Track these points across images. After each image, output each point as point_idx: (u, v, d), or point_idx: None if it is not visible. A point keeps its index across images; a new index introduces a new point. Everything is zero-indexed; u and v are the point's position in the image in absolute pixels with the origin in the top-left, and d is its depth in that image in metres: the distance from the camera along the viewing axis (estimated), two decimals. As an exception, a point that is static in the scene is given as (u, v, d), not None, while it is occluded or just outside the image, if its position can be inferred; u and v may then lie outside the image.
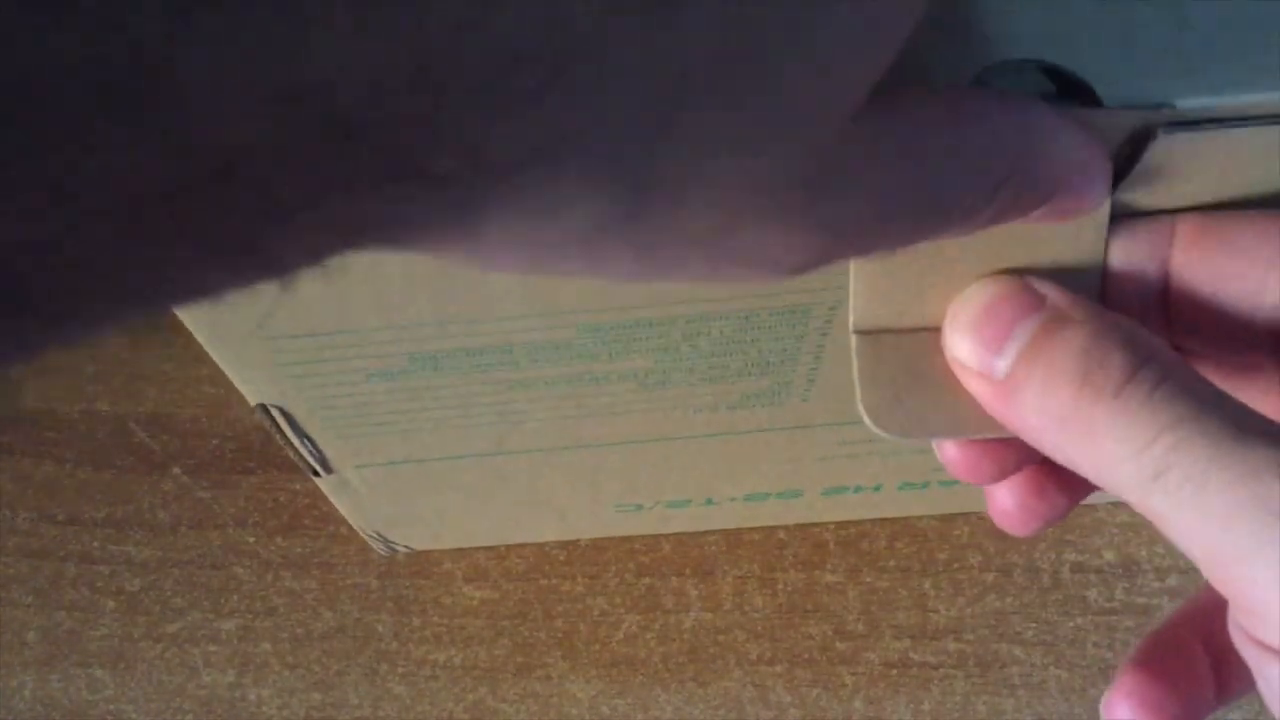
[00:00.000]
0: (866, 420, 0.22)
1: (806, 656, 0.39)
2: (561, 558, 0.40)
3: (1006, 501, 0.24)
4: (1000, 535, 0.40)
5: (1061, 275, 0.21)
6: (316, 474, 0.31)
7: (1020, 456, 0.22)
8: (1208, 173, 0.20)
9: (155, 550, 0.41)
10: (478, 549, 0.40)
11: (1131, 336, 0.19)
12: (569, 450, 0.31)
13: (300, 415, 0.28)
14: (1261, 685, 0.19)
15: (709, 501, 0.36)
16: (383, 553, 0.39)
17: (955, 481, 0.36)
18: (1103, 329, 0.19)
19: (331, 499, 0.34)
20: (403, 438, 0.30)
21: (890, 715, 0.38)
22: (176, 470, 0.42)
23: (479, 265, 0.14)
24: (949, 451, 0.23)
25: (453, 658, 0.39)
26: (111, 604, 0.40)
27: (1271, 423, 0.18)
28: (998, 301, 0.21)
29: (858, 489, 0.36)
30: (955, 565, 0.40)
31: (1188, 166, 0.20)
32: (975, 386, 0.21)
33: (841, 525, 0.40)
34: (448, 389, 0.27)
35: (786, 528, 0.40)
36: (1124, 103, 0.19)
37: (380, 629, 0.39)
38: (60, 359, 0.44)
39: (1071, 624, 0.39)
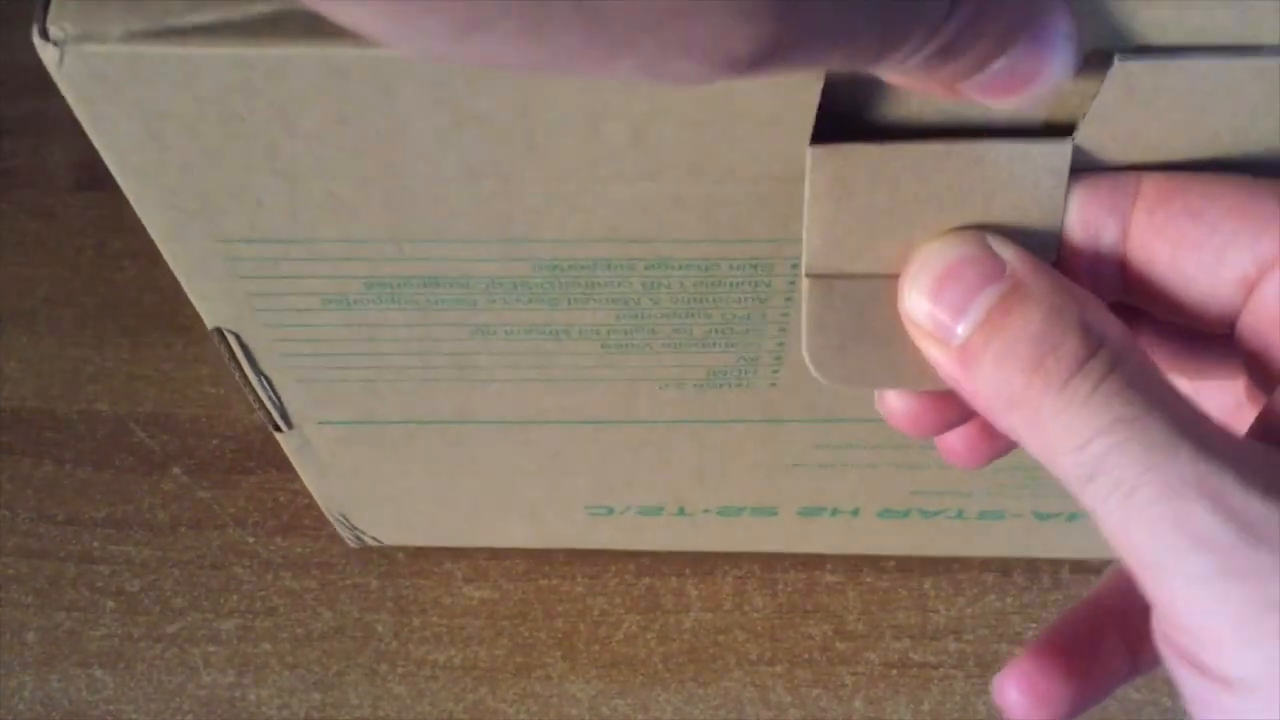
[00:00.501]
0: (810, 366, 0.22)
1: (806, 656, 0.39)
2: (561, 558, 0.40)
3: (955, 443, 0.24)
4: (1000, 535, 0.40)
5: (1019, 228, 0.21)
6: (278, 428, 0.31)
7: (964, 411, 0.22)
8: (1169, 115, 0.20)
9: (155, 550, 0.41)
10: (478, 549, 0.40)
11: (1086, 319, 0.19)
12: (534, 425, 0.31)
13: (258, 348, 0.28)
14: (1180, 686, 0.19)
15: (681, 511, 0.36)
16: (351, 544, 0.39)
17: (938, 512, 0.36)
18: (1059, 308, 0.19)
19: (295, 465, 0.34)
20: (363, 389, 0.29)
21: (890, 715, 0.38)
22: (176, 470, 0.42)
23: (406, 41, 0.14)
24: (891, 402, 0.23)
25: (453, 658, 0.39)
26: (111, 604, 0.40)
27: (1210, 428, 0.18)
28: (958, 265, 0.20)
29: (835, 512, 0.36)
30: (955, 565, 0.40)
31: (1148, 104, 0.20)
32: (930, 350, 0.21)
33: (841, 525, 0.40)
34: (406, 329, 0.27)
35: (786, 528, 0.40)
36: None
37: (380, 629, 0.39)
38: (60, 359, 0.44)
39: (1071, 624, 0.39)
